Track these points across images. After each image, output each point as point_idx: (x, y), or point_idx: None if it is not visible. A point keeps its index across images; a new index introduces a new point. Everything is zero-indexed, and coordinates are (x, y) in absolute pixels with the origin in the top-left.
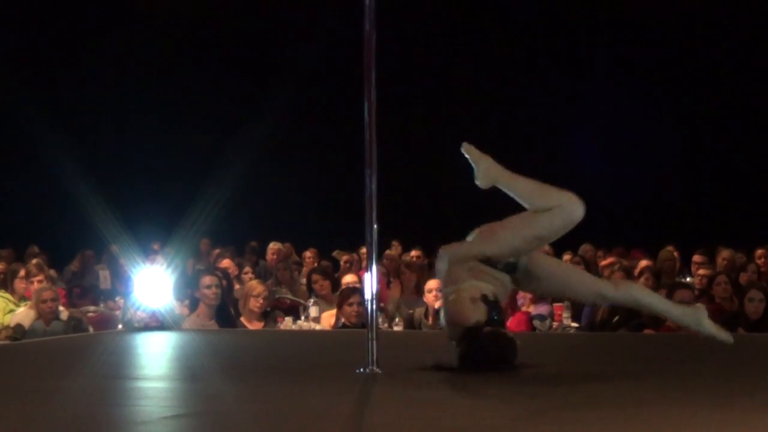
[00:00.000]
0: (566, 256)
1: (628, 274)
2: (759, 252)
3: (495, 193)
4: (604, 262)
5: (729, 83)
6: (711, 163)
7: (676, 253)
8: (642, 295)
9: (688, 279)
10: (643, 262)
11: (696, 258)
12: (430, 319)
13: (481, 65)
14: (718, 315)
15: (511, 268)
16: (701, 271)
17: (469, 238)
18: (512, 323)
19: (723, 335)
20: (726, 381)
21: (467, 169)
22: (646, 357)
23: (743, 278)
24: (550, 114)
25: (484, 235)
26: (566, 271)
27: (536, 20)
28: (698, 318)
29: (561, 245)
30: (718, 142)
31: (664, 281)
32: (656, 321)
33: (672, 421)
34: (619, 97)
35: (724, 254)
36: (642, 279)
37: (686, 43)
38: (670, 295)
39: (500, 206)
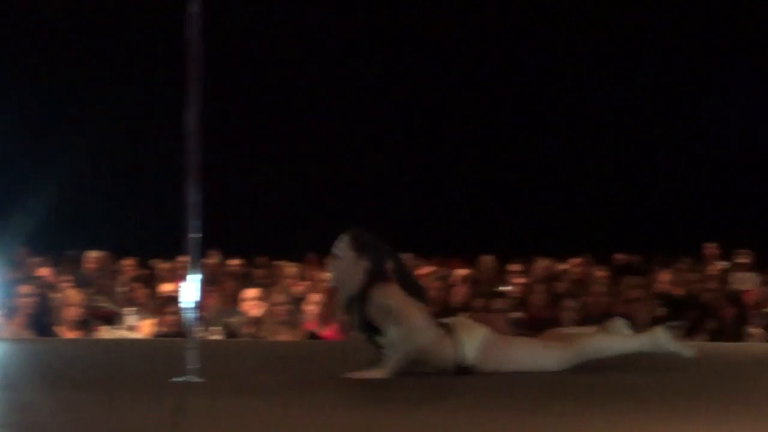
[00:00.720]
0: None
1: (446, 283)
2: (574, 261)
3: (309, 204)
4: (422, 271)
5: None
6: (525, 172)
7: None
8: (595, 346)
9: (504, 288)
10: (461, 271)
11: (512, 267)
12: (248, 327)
13: (303, 74)
14: (533, 323)
15: (461, 370)
16: (517, 280)
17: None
18: (330, 332)
19: (686, 351)
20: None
21: (286, 179)
22: None
23: (559, 287)
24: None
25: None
26: (517, 355)
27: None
28: (658, 341)
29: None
30: (533, 150)
31: (481, 290)
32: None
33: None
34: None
35: (540, 263)
36: (460, 288)
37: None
38: (487, 304)
39: (317, 217)
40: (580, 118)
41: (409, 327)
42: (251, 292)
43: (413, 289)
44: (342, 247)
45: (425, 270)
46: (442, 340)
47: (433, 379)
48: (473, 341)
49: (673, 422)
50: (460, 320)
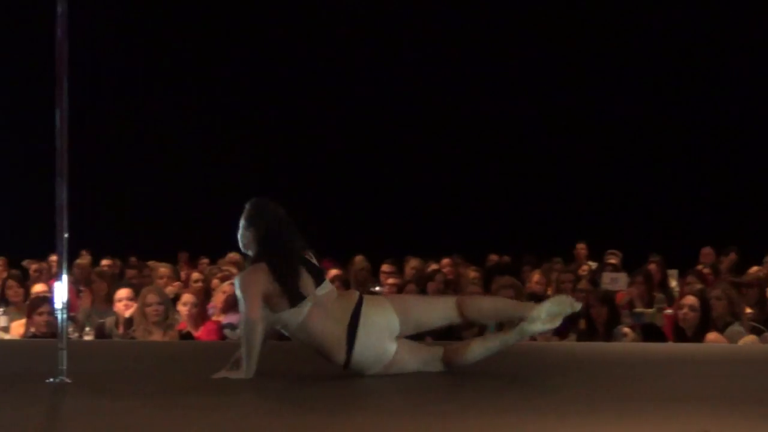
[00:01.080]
0: None
1: None
2: (445, 261)
3: (182, 204)
4: None
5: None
6: (398, 172)
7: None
8: (473, 350)
9: (377, 288)
10: (333, 271)
11: (385, 267)
12: (121, 328)
13: (177, 74)
14: None
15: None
16: (390, 281)
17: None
18: (203, 333)
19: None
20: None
21: (159, 179)
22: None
23: (431, 287)
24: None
25: None
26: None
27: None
28: (524, 330)
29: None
30: (406, 151)
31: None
32: None
33: None
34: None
35: (413, 263)
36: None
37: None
38: None
39: (189, 218)
40: (451, 119)
41: (243, 319)
42: (124, 293)
43: (293, 272)
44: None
45: None
46: (324, 335)
47: (315, 381)
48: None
49: (549, 424)
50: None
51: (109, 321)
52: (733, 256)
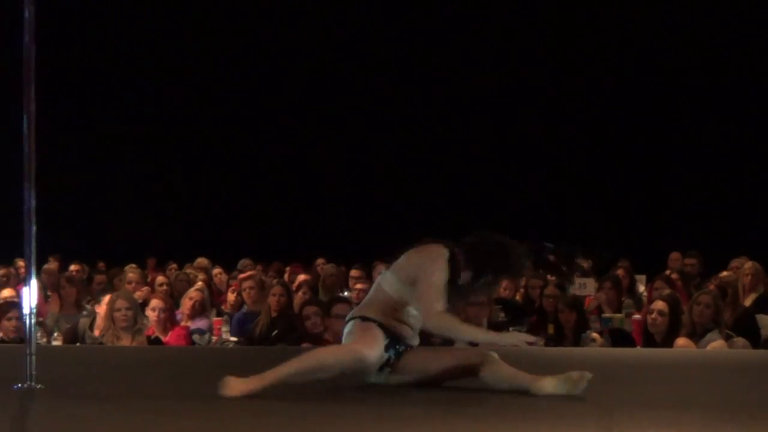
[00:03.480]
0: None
1: (287, 289)
2: None
3: (150, 209)
4: (266, 277)
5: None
6: (368, 178)
7: (337, 268)
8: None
9: (346, 293)
10: (302, 277)
11: (353, 273)
12: (96, 331)
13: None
14: None
15: None
16: (359, 286)
17: None
18: (171, 338)
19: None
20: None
21: (127, 184)
22: None
23: None
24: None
25: None
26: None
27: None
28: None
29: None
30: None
31: (323, 296)
32: (316, 336)
33: None
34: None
35: (380, 268)
36: (300, 293)
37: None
38: (328, 309)
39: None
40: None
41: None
42: (94, 298)
43: None
44: None
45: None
46: None
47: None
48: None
49: (520, 429)
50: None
51: (82, 322)
52: (695, 261)
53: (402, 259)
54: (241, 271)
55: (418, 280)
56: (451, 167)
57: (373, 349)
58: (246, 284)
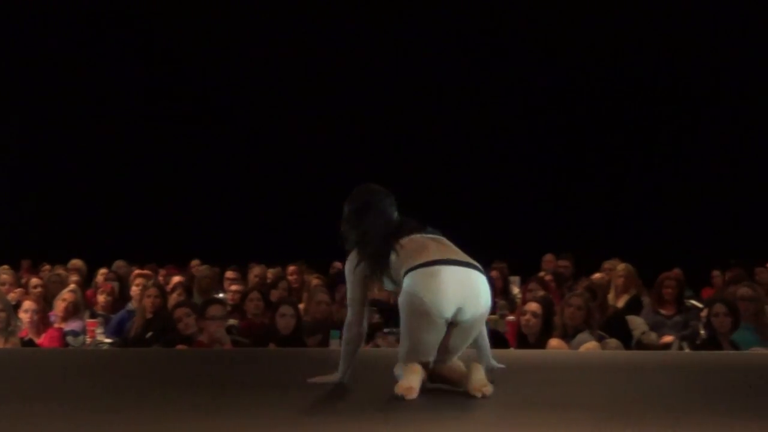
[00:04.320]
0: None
1: (162, 290)
2: (291, 269)
3: (23, 210)
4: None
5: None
6: (243, 179)
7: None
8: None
9: (221, 295)
10: (176, 278)
11: (228, 274)
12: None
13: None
14: (250, 331)
15: None
16: (233, 287)
17: None
18: (44, 340)
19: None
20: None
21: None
22: (179, 373)
23: (274, 295)
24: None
25: None
26: None
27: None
28: None
29: None
30: (262, 159)
31: (198, 297)
32: (189, 338)
33: None
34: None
35: (256, 271)
36: (175, 294)
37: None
38: (203, 310)
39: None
40: (302, 123)
41: None
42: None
43: None
44: None
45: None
46: None
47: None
48: None
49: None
50: None
51: None
52: (568, 262)
53: None
54: (115, 272)
55: None
56: (327, 169)
57: None
58: (139, 281)
